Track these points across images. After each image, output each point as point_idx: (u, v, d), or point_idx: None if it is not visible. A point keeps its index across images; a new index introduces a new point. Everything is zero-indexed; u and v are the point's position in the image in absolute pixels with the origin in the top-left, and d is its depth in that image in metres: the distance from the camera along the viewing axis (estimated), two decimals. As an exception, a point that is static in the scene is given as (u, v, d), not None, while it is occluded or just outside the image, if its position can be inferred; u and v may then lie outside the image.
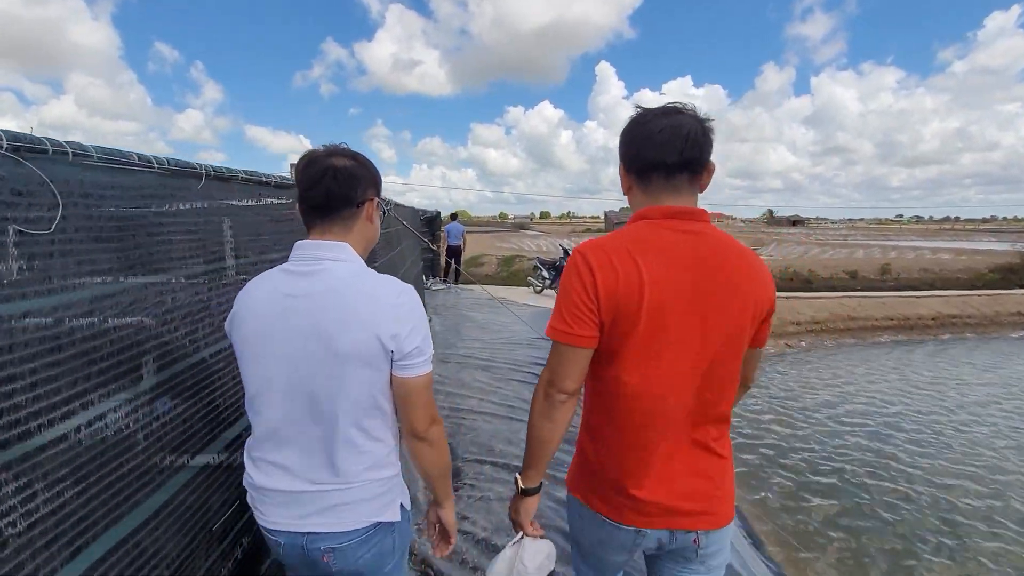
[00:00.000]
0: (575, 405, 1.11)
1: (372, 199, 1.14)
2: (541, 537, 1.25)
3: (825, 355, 10.80)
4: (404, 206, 6.59)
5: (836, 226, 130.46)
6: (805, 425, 7.22)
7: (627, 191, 1.17)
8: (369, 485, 1.09)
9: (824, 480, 5.57)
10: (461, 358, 5.82)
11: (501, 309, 9.12)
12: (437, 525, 1.26)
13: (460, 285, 12.30)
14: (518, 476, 1.19)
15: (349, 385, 1.02)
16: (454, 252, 12.12)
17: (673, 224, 1.05)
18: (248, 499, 1.16)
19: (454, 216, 12.29)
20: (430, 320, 7.89)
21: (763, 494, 5.27)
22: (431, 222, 11.99)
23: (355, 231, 1.12)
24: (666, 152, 1.04)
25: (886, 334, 12.28)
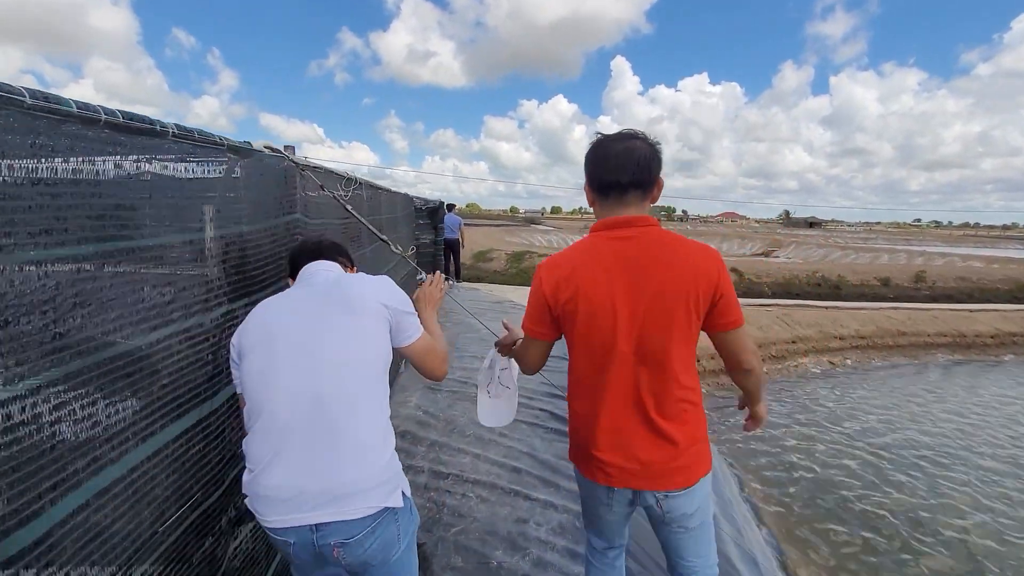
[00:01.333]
0: (539, 366, 1.50)
1: None
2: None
3: (873, 375, 9.50)
4: (393, 191, 5.39)
5: (853, 228, 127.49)
6: (847, 458, 6.05)
7: (591, 204, 1.40)
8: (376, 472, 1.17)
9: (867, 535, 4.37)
10: (455, 385, 4.63)
11: (508, 315, 7.92)
12: None
13: (463, 284, 11.11)
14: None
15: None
16: (451, 247, 10.94)
17: (610, 234, 1.31)
18: (248, 504, 1.18)
19: (451, 207, 11.05)
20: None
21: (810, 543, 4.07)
22: (433, 213, 10.79)
23: None
24: (620, 173, 1.28)
25: (940, 352, 10.93)
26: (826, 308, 11.93)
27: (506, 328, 1.72)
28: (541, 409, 4.05)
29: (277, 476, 1.12)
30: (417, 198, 10.02)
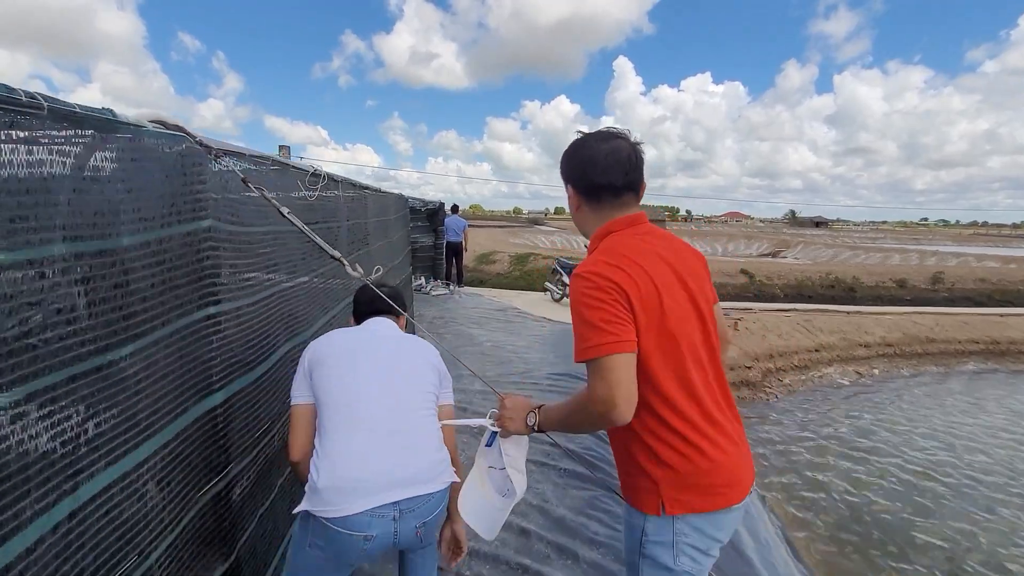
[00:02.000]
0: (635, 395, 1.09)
1: None
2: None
3: (904, 386, 8.87)
4: (384, 192, 4.82)
5: (859, 228, 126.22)
6: (881, 479, 5.46)
7: (576, 209, 1.29)
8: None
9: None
10: (463, 404, 4.08)
11: (512, 325, 7.33)
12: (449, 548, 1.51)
13: (464, 289, 10.54)
14: (537, 412, 1.23)
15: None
16: (454, 250, 10.37)
17: (634, 230, 1.22)
18: (316, 505, 1.20)
19: (455, 209, 10.47)
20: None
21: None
22: (433, 215, 10.24)
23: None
24: (612, 175, 1.19)
25: (972, 360, 10.27)
26: (848, 313, 11.29)
27: (503, 405, 1.31)
28: (551, 444, 3.46)
29: (364, 463, 1.22)
30: (414, 199, 9.45)
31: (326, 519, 1.16)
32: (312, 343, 1.42)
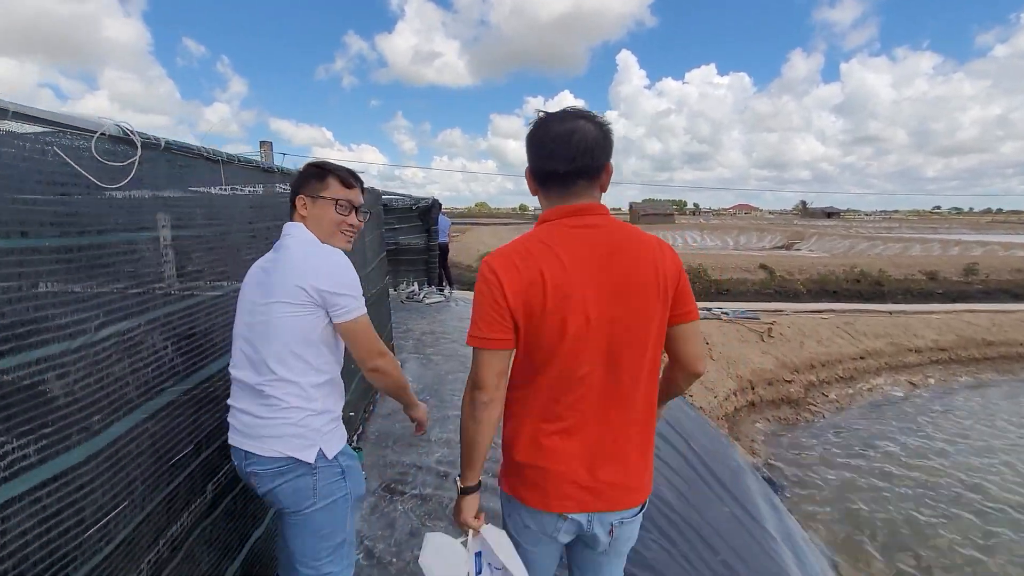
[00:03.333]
0: (500, 406, 1.16)
1: (302, 196, 1.40)
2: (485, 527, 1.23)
3: (965, 397, 7.73)
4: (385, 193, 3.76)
5: (871, 217, 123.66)
6: (944, 512, 4.40)
7: (534, 193, 1.20)
8: (285, 425, 1.29)
9: None
10: (436, 463, 3.06)
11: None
12: (414, 422, 1.60)
13: (463, 295, 9.50)
14: (457, 478, 1.22)
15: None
16: (442, 251, 9.40)
17: (572, 221, 1.12)
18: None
19: (438, 207, 9.37)
20: (404, 364, 5.14)
21: None
22: (425, 214, 9.19)
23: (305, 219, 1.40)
24: (558, 162, 1.10)
25: (1036, 365, 9.10)
26: (891, 314, 10.13)
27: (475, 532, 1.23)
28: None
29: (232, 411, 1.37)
30: (397, 196, 8.42)
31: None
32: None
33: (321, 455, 1.30)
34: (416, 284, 9.03)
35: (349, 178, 1.42)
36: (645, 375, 1.13)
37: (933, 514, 4.80)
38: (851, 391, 7.74)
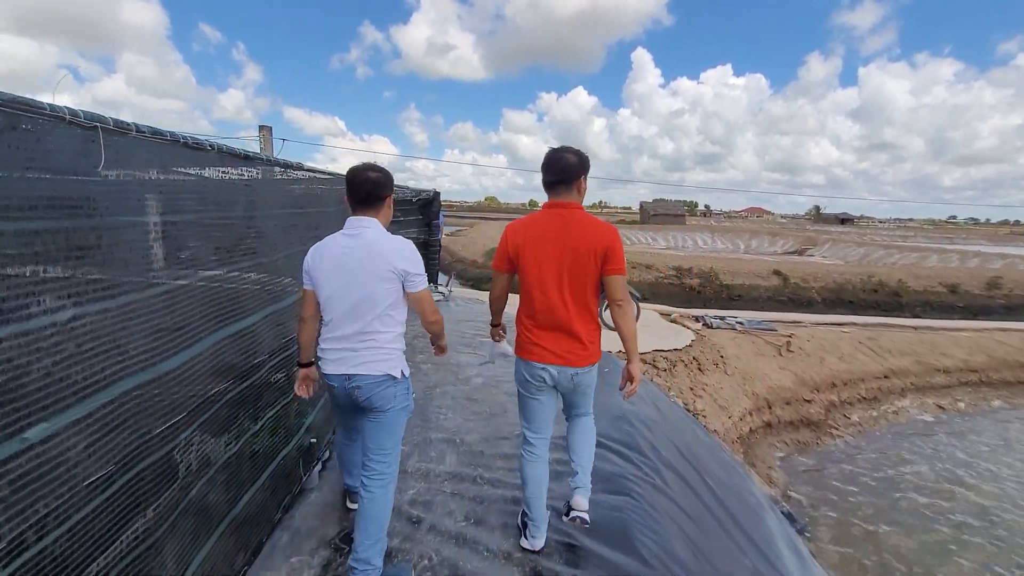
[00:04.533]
0: (502, 303, 2.33)
1: (389, 195, 2.01)
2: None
3: (999, 424, 7.15)
4: (315, 173, 3.29)
5: (885, 225, 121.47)
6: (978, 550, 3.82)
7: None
8: (384, 350, 1.94)
9: None
10: (409, 503, 2.54)
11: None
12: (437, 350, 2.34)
13: (461, 292, 9.02)
14: (492, 328, 2.50)
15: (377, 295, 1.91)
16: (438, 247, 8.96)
17: (552, 210, 2.08)
18: (318, 361, 2.03)
19: (439, 200, 8.86)
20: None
21: None
22: (426, 207, 8.71)
23: (380, 213, 1.99)
24: (545, 174, 2.11)
25: (1075, 390, 8.49)
26: (916, 329, 9.53)
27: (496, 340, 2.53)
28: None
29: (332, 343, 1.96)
30: (396, 188, 7.97)
31: (323, 373, 2.00)
32: (310, 250, 1.99)
33: (402, 373, 1.96)
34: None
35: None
36: (584, 296, 2.06)
37: (975, 562, 4.29)
38: (875, 413, 7.19)
